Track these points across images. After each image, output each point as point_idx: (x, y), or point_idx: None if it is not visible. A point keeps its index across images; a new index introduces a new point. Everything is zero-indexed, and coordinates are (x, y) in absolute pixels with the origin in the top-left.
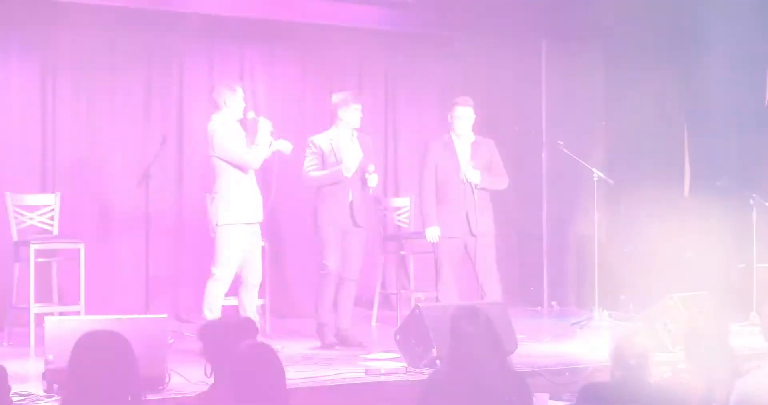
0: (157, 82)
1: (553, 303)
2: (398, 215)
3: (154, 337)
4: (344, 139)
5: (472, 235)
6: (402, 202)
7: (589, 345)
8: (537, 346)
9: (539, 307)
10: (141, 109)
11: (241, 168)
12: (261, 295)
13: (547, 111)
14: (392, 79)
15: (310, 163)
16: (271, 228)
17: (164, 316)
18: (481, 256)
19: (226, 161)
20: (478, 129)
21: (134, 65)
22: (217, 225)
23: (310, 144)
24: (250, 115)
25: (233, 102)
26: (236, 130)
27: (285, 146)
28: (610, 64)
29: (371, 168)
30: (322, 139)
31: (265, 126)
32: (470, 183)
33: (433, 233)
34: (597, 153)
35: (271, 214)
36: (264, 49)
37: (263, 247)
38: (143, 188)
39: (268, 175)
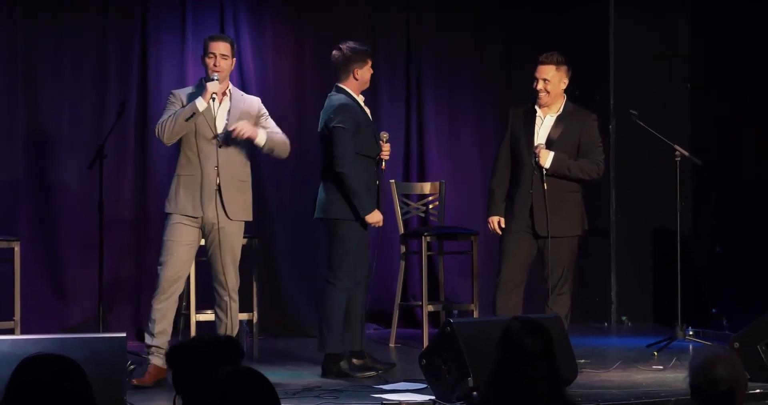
0: (115, 34)
1: (624, 318)
2: (423, 206)
3: (110, 361)
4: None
5: (536, 235)
6: (428, 188)
7: (669, 373)
8: (603, 374)
9: (606, 324)
10: (93, 67)
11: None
12: (248, 309)
13: (616, 70)
14: (415, 31)
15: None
16: (258, 225)
17: (123, 334)
18: (549, 261)
19: None
20: (523, 93)
21: (86, 13)
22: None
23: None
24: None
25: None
26: (184, 93)
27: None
28: (699, 9)
29: (384, 136)
30: (352, 108)
31: (212, 88)
32: (539, 166)
33: (492, 223)
34: (680, 125)
35: (260, 207)
36: None
37: (251, 246)
38: (96, 170)
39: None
